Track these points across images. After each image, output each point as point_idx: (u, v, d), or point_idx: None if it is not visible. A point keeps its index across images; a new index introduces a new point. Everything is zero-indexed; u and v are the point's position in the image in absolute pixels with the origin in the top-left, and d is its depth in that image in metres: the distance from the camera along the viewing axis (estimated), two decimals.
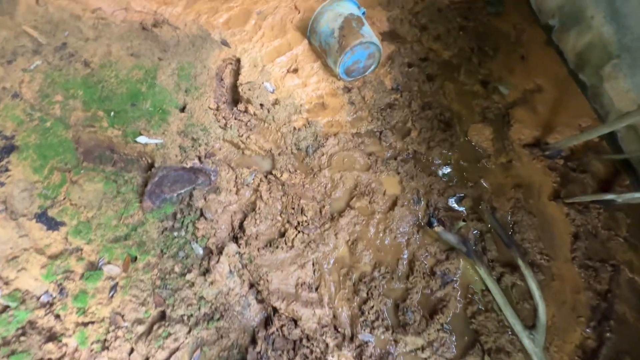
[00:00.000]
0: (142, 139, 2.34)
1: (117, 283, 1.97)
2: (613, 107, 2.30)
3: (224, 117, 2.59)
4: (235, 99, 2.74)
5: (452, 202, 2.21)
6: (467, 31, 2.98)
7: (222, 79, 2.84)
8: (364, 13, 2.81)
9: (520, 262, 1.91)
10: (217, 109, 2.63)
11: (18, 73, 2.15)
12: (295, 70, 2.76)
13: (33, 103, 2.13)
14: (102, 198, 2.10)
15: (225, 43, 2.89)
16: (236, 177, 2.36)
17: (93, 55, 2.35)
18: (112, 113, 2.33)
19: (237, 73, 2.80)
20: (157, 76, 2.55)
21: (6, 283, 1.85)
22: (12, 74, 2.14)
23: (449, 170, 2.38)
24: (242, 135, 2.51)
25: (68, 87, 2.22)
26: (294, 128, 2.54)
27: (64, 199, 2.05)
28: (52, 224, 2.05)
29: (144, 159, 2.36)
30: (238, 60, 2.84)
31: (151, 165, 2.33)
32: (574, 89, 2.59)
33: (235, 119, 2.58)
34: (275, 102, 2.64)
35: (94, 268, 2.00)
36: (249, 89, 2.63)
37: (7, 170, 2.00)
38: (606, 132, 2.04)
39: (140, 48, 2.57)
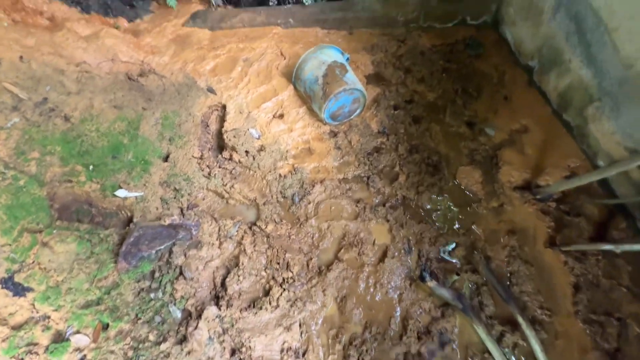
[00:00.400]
0: (121, 193, 2.26)
1: (84, 356, 1.80)
2: (600, 148, 2.28)
3: (207, 166, 2.53)
4: (221, 145, 2.71)
5: (445, 253, 2.11)
6: (450, 73, 3.03)
7: (207, 126, 2.82)
8: (347, 59, 2.86)
9: (520, 320, 1.79)
10: (201, 157, 2.58)
11: None
12: (281, 116, 2.76)
13: (7, 161, 2.06)
14: (74, 260, 1.97)
15: (211, 90, 2.90)
16: (219, 230, 2.26)
17: (74, 110, 2.32)
18: (91, 167, 2.26)
19: (222, 119, 2.79)
20: (140, 127, 2.52)
21: None
22: None
23: (439, 216, 2.30)
24: (227, 184, 2.44)
25: (46, 143, 2.17)
26: (280, 175, 2.48)
27: (33, 262, 1.93)
28: (19, 290, 1.90)
29: (123, 212, 2.27)
30: (224, 107, 2.84)
31: (130, 220, 2.23)
32: (559, 128, 2.59)
33: (220, 167, 2.53)
34: (261, 149, 2.60)
35: (60, 339, 1.83)
36: (234, 136, 2.60)
37: None
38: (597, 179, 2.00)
39: (124, 99, 2.56)
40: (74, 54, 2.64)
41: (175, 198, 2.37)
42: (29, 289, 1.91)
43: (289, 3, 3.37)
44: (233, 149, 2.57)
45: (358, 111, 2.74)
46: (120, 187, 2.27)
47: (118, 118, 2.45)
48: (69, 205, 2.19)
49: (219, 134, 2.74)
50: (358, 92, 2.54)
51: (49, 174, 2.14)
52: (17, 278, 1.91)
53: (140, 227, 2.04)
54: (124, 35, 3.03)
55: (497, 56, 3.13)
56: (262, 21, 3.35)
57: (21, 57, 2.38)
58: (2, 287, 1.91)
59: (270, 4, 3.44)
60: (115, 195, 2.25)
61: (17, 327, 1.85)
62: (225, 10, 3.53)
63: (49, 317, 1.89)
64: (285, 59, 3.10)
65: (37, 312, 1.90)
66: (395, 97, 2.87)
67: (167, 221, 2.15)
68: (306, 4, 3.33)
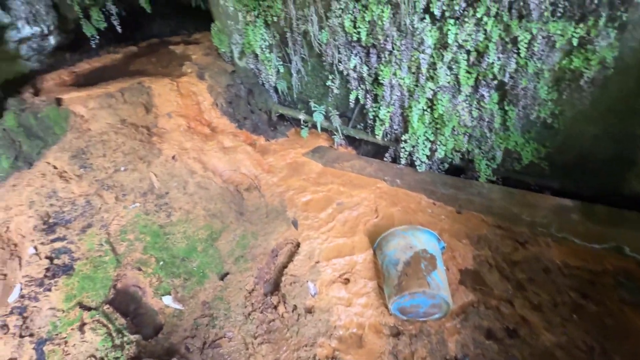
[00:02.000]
0: (166, 299, 2.30)
1: None
2: None
3: (252, 304, 2.39)
4: (276, 283, 2.58)
5: None
6: (585, 315, 2.22)
7: (276, 256, 2.80)
8: (443, 248, 2.50)
9: None
10: (252, 291, 2.48)
11: (119, 208, 2.59)
12: (347, 281, 2.49)
13: (110, 236, 2.44)
14: (90, 355, 1.98)
15: (295, 224, 2.96)
16: None
17: (179, 209, 2.69)
18: (161, 262, 2.45)
19: (291, 256, 2.73)
20: (219, 239, 2.69)
21: None
22: (116, 208, 2.59)
23: None
24: (257, 338, 2.19)
25: (143, 230, 2.51)
26: (314, 357, 2.09)
27: (64, 339, 2.03)
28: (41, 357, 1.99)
29: (158, 318, 2.27)
30: (298, 245, 2.81)
31: (159, 330, 2.20)
32: None
33: (262, 312, 2.35)
34: (310, 310, 2.32)
35: None
36: (291, 283, 2.45)
37: (49, 290, 2.18)
38: None
39: (221, 209, 2.85)
40: (210, 160, 3.23)
41: (206, 326, 2.26)
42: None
43: (402, 162, 3.41)
44: (283, 297, 2.39)
45: (436, 316, 2.22)
46: (169, 294, 2.34)
47: (205, 226, 2.69)
48: (125, 291, 2.35)
49: (280, 271, 2.65)
50: (441, 299, 2.08)
51: (129, 258, 2.40)
52: (45, 348, 2.02)
53: None
54: (254, 152, 3.60)
55: None
56: (371, 172, 3.45)
57: (174, 157, 3.02)
58: (34, 348, 2.06)
59: (385, 159, 3.57)
60: (161, 299, 2.31)
61: None
62: (343, 152, 3.85)
63: None
64: (377, 217, 2.98)
65: None
66: (492, 318, 2.23)
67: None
68: (419, 169, 3.29)
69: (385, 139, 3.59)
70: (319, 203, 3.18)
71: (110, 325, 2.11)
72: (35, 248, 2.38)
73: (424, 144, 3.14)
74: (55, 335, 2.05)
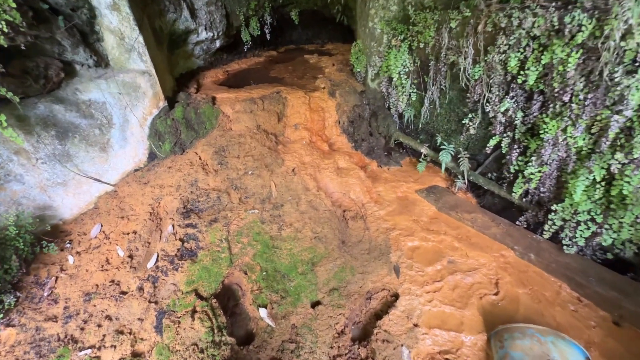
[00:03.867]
0: (262, 312, 2.38)
1: None
2: None
3: (339, 347, 2.28)
4: (366, 329, 2.41)
5: None
6: None
7: (370, 298, 2.63)
8: None
9: None
10: (340, 333, 2.37)
11: (241, 210, 2.81)
12: None
13: (229, 235, 2.67)
14: (194, 342, 2.18)
15: (396, 270, 2.73)
16: None
17: (289, 225, 2.77)
18: (264, 272, 2.55)
19: (387, 307, 2.51)
20: (319, 264, 2.66)
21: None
22: (238, 209, 2.82)
23: None
24: None
25: (256, 237, 2.67)
26: None
27: (178, 319, 2.29)
28: (159, 328, 2.30)
29: (250, 328, 2.38)
30: (396, 296, 2.57)
31: (249, 340, 2.30)
32: None
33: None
34: None
35: None
36: (383, 341, 2.24)
37: (176, 270, 2.50)
38: None
39: (327, 234, 2.82)
40: (323, 179, 3.25)
41: (291, 352, 2.25)
42: (161, 334, 2.26)
43: (544, 235, 2.78)
44: (373, 352, 2.21)
45: None
46: (265, 307, 2.41)
47: (310, 248, 2.70)
48: (229, 287, 2.53)
49: (372, 317, 2.46)
50: None
51: (239, 261, 2.58)
52: (164, 320, 2.32)
53: None
54: (365, 178, 3.49)
55: None
56: (496, 234, 2.93)
57: (293, 170, 3.14)
58: (155, 316, 2.39)
59: (518, 223, 2.99)
60: (258, 309, 2.40)
61: (136, 355, 2.21)
62: (462, 199, 3.40)
63: None
64: (497, 294, 2.50)
65: (150, 356, 2.20)
66: None
67: None
68: (566, 250, 2.63)
69: (524, 199, 3.00)
70: (427, 254, 2.87)
71: (214, 320, 2.29)
72: (173, 227, 2.78)
73: (585, 223, 2.48)
74: (173, 312, 2.33)
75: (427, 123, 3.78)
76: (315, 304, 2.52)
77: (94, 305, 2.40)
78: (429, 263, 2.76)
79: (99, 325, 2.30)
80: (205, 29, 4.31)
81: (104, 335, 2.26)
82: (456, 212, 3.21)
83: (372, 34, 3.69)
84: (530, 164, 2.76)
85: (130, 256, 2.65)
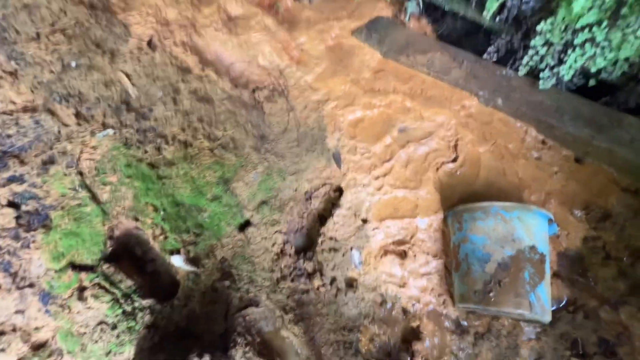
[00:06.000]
0: (176, 260, 1.86)
1: None
2: None
3: (281, 268, 1.95)
4: (310, 235, 2.06)
5: None
6: None
7: (309, 198, 2.15)
8: (554, 234, 1.73)
9: None
10: (281, 251, 1.98)
11: (86, 134, 1.76)
12: (403, 255, 1.91)
13: (84, 177, 1.75)
14: (99, 322, 1.73)
15: (337, 159, 2.13)
16: None
17: (172, 140, 1.84)
18: (162, 212, 1.86)
19: (331, 206, 2.07)
20: (234, 180, 1.97)
21: None
22: (81, 134, 1.76)
23: None
24: (288, 312, 1.85)
25: (128, 172, 1.78)
26: (354, 343, 1.79)
27: (64, 301, 1.74)
28: (50, 312, 1.78)
29: (172, 279, 1.92)
30: (339, 191, 2.09)
31: (172, 294, 1.88)
32: None
33: (292, 280, 1.92)
34: (351, 285, 1.88)
35: None
36: (330, 249, 1.91)
37: (27, 247, 1.72)
38: None
39: (232, 136, 1.97)
40: (209, 46, 2.06)
41: (229, 288, 1.91)
42: (55, 319, 1.77)
43: (520, 71, 2.10)
44: (320, 265, 1.91)
45: (521, 319, 1.73)
46: (178, 252, 1.87)
47: (214, 163, 1.91)
48: (125, 244, 1.89)
49: (315, 224, 2.06)
50: (539, 324, 1.52)
51: (117, 208, 1.80)
52: (50, 303, 1.77)
53: None
54: (276, 27, 2.29)
55: None
56: (457, 79, 2.21)
57: (150, 42, 1.87)
58: (39, 300, 1.82)
59: (486, 55, 2.22)
60: (169, 258, 1.87)
61: (36, 348, 1.78)
62: (416, 33, 2.43)
63: (62, 356, 1.77)
64: (456, 160, 2.07)
65: (55, 344, 1.79)
66: (585, 326, 1.74)
67: None
68: (541, 87, 2.04)
69: (496, 20, 2.12)
70: (373, 126, 2.21)
71: (115, 290, 1.77)
72: None
73: (582, 47, 1.75)
74: (56, 297, 1.75)
75: None
76: (244, 226, 2.01)
77: None
78: (377, 138, 2.15)
79: None
80: None
81: None
82: (407, 55, 2.33)
83: None
84: None
85: None
